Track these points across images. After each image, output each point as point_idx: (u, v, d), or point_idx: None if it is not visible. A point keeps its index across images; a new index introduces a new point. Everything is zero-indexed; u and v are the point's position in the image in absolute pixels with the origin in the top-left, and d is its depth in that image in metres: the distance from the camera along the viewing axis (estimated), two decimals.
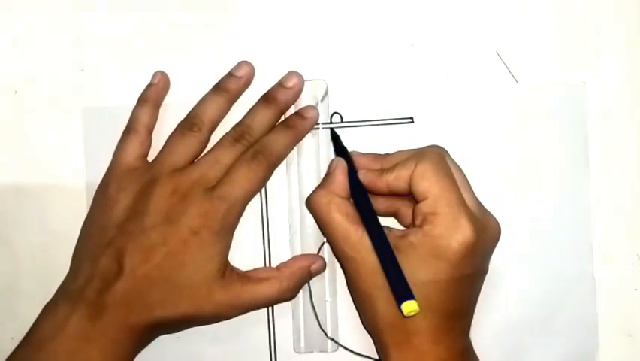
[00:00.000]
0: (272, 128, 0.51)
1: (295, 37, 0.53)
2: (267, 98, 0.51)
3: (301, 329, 0.52)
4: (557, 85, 0.53)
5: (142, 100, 0.52)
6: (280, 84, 0.51)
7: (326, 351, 0.52)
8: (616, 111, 0.53)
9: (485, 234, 0.47)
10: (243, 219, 0.50)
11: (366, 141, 0.52)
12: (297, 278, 0.50)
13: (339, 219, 0.47)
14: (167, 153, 0.50)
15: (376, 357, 0.51)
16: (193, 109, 0.51)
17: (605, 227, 0.53)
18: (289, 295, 0.50)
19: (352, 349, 0.52)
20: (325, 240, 0.51)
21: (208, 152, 0.50)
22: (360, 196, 0.49)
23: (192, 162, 0.50)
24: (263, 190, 0.52)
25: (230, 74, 0.52)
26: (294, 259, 0.51)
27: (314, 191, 0.49)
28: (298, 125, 0.51)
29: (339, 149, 0.52)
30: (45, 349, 0.46)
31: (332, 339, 0.52)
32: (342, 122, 0.53)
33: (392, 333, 0.47)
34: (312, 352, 0.52)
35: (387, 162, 0.49)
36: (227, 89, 0.52)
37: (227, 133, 0.51)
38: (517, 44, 0.53)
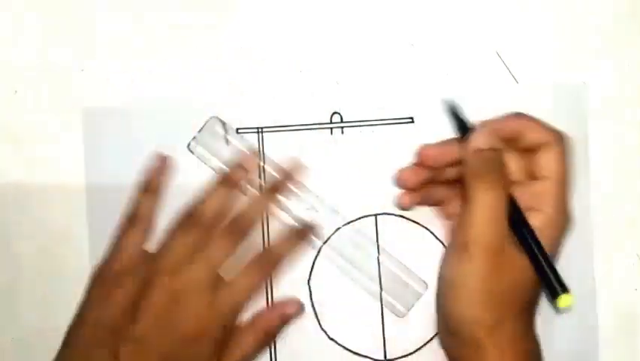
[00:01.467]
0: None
1: (295, 37, 0.53)
2: (271, 187, 0.52)
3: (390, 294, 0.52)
4: (557, 85, 0.53)
5: (144, 186, 0.51)
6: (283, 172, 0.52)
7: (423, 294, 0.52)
8: (616, 111, 0.53)
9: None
10: None
11: (366, 141, 0.52)
12: (271, 331, 0.50)
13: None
14: (166, 251, 0.49)
15: (376, 357, 0.51)
16: (195, 202, 0.50)
17: (605, 227, 0.53)
18: (266, 346, 0.51)
19: (343, 338, 0.52)
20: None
21: (200, 247, 0.49)
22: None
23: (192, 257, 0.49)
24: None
25: (237, 165, 0.52)
26: (268, 312, 0.51)
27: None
28: (304, 232, 0.51)
29: (461, 124, 0.50)
30: None
31: (333, 340, 0.52)
32: (342, 122, 0.53)
33: (497, 335, 0.46)
34: (413, 305, 0.52)
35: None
36: (232, 180, 0.51)
37: (220, 227, 0.50)
38: (517, 44, 0.53)
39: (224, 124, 0.52)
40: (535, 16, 0.53)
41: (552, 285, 0.46)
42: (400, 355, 0.52)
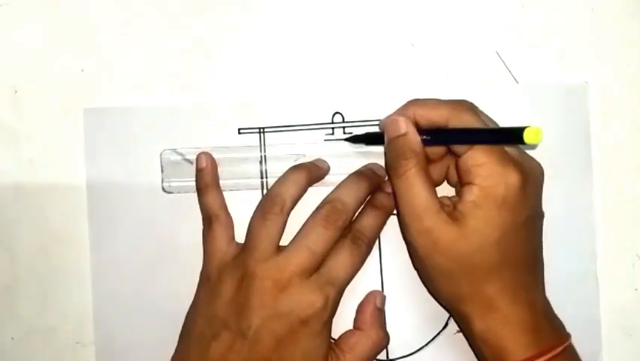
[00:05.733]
0: (362, 203, 0.51)
1: (296, 37, 0.53)
2: (357, 173, 0.51)
3: None
4: (558, 85, 0.53)
5: (202, 188, 0.52)
6: (368, 166, 0.52)
7: None
8: (617, 111, 0.53)
9: (532, 173, 0.47)
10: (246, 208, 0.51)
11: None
12: (378, 323, 0.51)
13: (419, 189, 0.47)
14: (254, 241, 0.49)
15: (378, 357, 0.51)
16: (274, 188, 0.50)
17: (606, 227, 0.53)
18: (384, 342, 0.51)
19: None
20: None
21: (300, 236, 0.49)
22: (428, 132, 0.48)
23: (278, 243, 0.49)
24: (264, 185, 0.52)
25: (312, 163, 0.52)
26: (361, 307, 0.51)
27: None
28: (386, 204, 0.51)
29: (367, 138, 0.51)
30: None
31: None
32: (343, 122, 0.53)
33: (472, 303, 0.47)
34: None
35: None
36: (307, 167, 0.51)
37: (318, 212, 0.49)
38: (517, 44, 0.53)
39: (174, 150, 0.52)
40: (535, 16, 0.53)
41: (509, 133, 0.45)
42: (402, 355, 0.52)
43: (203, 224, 0.51)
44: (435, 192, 0.47)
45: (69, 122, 0.53)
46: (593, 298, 0.52)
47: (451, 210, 0.47)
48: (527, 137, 0.43)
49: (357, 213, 0.51)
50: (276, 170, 0.52)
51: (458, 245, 0.46)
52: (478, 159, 0.46)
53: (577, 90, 0.53)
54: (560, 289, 0.52)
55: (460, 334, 0.51)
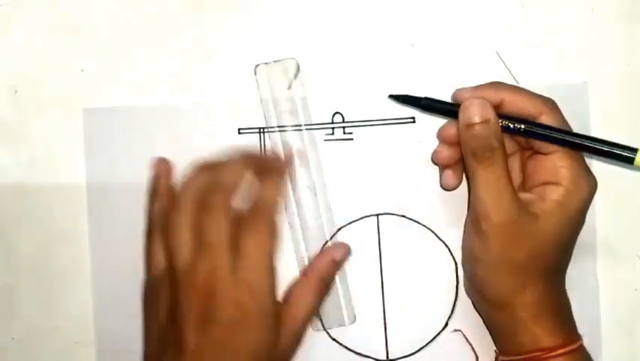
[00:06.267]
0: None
1: (296, 37, 0.53)
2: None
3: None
4: (558, 85, 0.53)
5: (153, 195, 0.49)
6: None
7: (344, 325, 0.52)
8: (617, 111, 0.53)
9: (596, 187, 0.49)
10: None
11: (367, 141, 0.52)
12: (325, 275, 0.48)
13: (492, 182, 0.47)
14: (173, 250, 0.46)
15: (378, 357, 0.51)
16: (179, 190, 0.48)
17: (606, 227, 0.53)
18: (327, 292, 0.49)
19: (345, 338, 0.52)
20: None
21: (199, 234, 0.46)
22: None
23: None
24: None
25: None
26: (317, 258, 0.49)
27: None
28: (277, 168, 0.48)
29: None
30: None
31: (335, 340, 0.52)
32: (343, 122, 0.53)
33: (522, 295, 0.47)
34: (331, 328, 0.52)
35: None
36: (213, 166, 0.48)
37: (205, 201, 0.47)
38: (517, 44, 0.53)
39: (298, 71, 0.52)
40: (535, 16, 0.53)
41: (619, 154, 0.47)
42: (402, 355, 0.52)
43: (146, 235, 0.49)
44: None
45: (69, 122, 0.53)
46: (593, 298, 0.52)
47: (536, 205, 0.47)
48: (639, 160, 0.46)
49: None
50: None
51: (536, 241, 0.47)
52: (566, 161, 0.47)
53: (577, 90, 0.53)
54: None
55: (460, 333, 0.51)
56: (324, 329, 0.52)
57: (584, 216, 0.48)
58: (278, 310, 0.46)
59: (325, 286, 0.48)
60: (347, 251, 0.49)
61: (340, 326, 0.52)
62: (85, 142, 0.53)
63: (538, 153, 0.48)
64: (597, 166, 0.52)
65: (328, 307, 0.52)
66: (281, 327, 0.46)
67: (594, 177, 0.48)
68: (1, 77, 0.53)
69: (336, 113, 0.53)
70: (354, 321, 0.52)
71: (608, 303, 0.53)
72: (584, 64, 0.53)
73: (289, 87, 0.52)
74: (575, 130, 0.48)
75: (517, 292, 0.47)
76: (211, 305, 0.45)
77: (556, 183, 0.47)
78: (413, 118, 0.52)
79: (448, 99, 0.51)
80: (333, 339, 0.52)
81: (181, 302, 0.45)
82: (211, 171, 0.47)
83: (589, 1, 0.53)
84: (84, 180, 0.52)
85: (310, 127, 0.53)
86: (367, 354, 0.52)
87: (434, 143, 0.51)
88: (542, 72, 0.53)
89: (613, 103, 0.53)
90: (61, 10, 0.53)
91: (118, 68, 0.53)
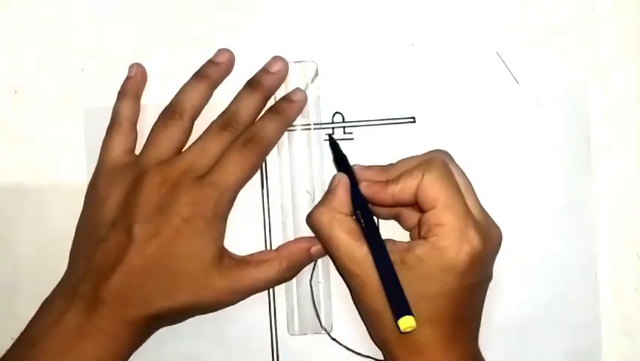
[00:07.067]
0: (258, 113, 0.51)
1: (296, 37, 0.53)
2: (251, 85, 0.51)
3: (295, 310, 0.52)
4: (558, 85, 0.53)
5: (122, 94, 0.52)
6: (264, 70, 0.52)
7: (320, 333, 0.52)
8: (617, 111, 0.53)
9: (490, 241, 0.47)
10: (243, 206, 0.51)
11: (368, 141, 0.52)
12: (296, 259, 0.50)
13: (342, 237, 0.47)
14: (151, 145, 0.50)
15: (378, 357, 0.51)
16: (174, 97, 0.51)
17: (606, 227, 0.53)
18: (288, 275, 0.50)
19: (345, 338, 0.52)
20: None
21: (195, 141, 0.50)
22: (363, 211, 0.48)
23: (179, 151, 0.50)
24: (264, 179, 0.52)
25: (210, 61, 0.52)
26: (294, 241, 0.51)
27: (315, 208, 0.48)
28: (286, 110, 0.51)
29: (339, 157, 0.51)
30: (38, 345, 0.46)
31: (335, 340, 0.52)
32: (343, 122, 0.53)
33: (402, 346, 0.46)
34: (305, 334, 0.52)
35: (391, 173, 0.48)
36: (208, 75, 0.51)
37: (214, 121, 0.51)
38: (517, 44, 0.53)
39: (316, 75, 0.52)
40: (535, 16, 0.53)
41: (393, 306, 0.45)
42: None
43: (107, 130, 0.51)
44: (361, 237, 0.47)
45: (69, 122, 0.53)
46: (593, 298, 0.52)
47: (402, 254, 0.46)
48: (401, 323, 0.43)
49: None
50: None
51: (414, 287, 0.45)
52: (441, 219, 0.45)
53: (577, 90, 0.53)
54: (560, 289, 0.52)
55: None
56: (300, 333, 0.52)
57: (475, 273, 0.46)
58: (232, 257, 0.49)
59: (288, 268, 0.50)
60: (323, 253, 0.50)
61: (315, 333, 0.52)
62: (85, 142, 0.53)
63: (421, 210, 0.47)
64: (598, 166, 0.53)
65: (306, 312, 0.52)
66: (228, 272, 0.48)
67: (487, 231, 0.46)
68: (1, 77, 0.53)
69: (336, 113, 0.53)
70: (332, 330, 0.52)
71: (608, 303, 0.53)
72: (584, 64, 0.53)
73: (305, 89, 0.52)
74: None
75: (395, 345, 0.47)
76: (170, 198, 0.47)
77: (425, 238, 0.46)
78: (413, 118, 0.52)
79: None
80: (333, 339, 0.52)
81: (140, 191, 0.48)
82: (210, 86, 0.51)
83: (589, 1, 0.53)
84: (84, 180, 0.52)
85: (310, 127, 0.53)
86: (367, 354, 0.52)
87: (434, 143, 0.51)
88: (542, 72, 0.53)
89: (613, 103, 0.53)
90: (61, 10, 0.53)
91: (118, 68, 0.53)
